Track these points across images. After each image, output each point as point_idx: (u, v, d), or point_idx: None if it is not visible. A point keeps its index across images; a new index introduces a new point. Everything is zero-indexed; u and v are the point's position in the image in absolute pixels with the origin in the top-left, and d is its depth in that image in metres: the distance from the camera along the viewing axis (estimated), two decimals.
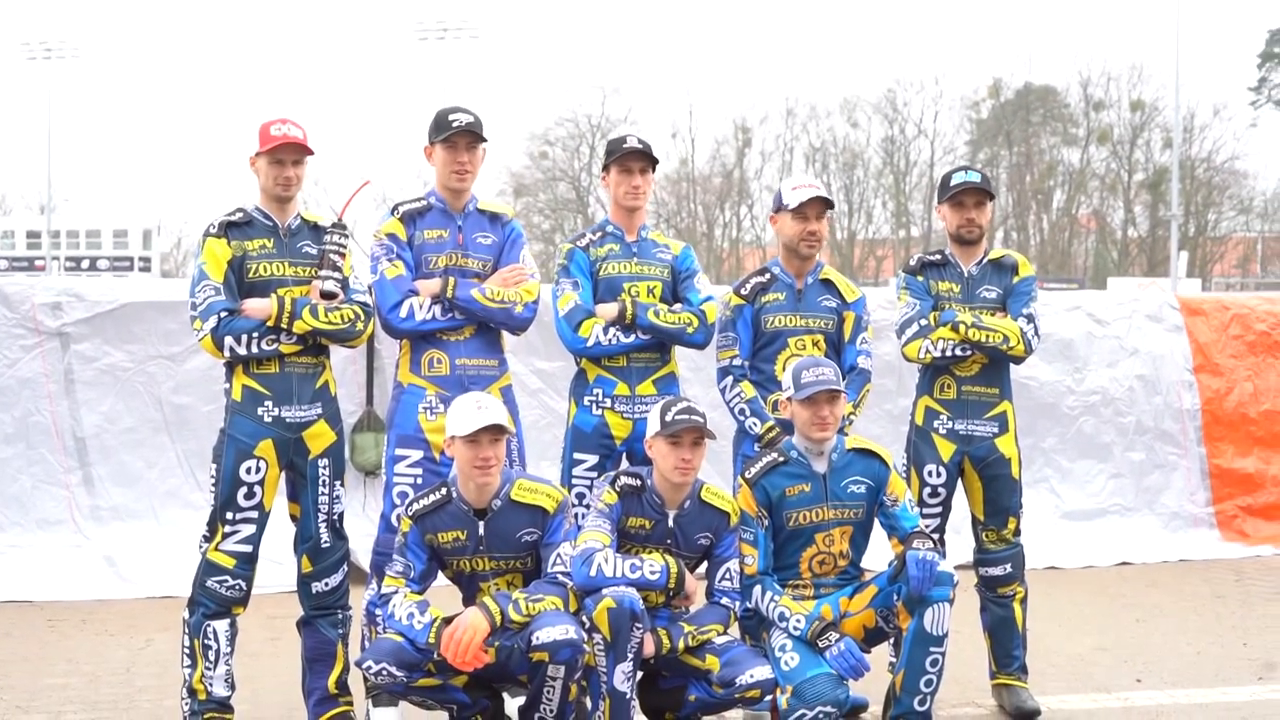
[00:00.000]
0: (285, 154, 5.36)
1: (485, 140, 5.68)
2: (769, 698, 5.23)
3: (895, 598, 5.24)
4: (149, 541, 8.13)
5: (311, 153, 5.40)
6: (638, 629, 5.03)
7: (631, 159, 5.86)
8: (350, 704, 5.50)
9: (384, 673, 4.98)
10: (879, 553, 5.61)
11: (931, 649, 5.17)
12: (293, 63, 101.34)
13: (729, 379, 5.93)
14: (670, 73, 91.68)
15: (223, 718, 5.27)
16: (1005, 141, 65.31)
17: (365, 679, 5.28)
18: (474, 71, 73.86)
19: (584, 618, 5.02)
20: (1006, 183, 63.87)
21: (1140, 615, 7.79)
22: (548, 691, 4.99)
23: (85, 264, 67.01)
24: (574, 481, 5.80)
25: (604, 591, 5.02)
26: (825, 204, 5.90)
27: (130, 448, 8.33)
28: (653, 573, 5.17)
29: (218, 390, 7.73)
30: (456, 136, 5.60)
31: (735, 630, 5.44)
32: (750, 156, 67.85)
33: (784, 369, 5.68)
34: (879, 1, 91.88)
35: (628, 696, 5.05)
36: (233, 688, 5.33)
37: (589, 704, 5.12)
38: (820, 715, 5.03)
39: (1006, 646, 5.97)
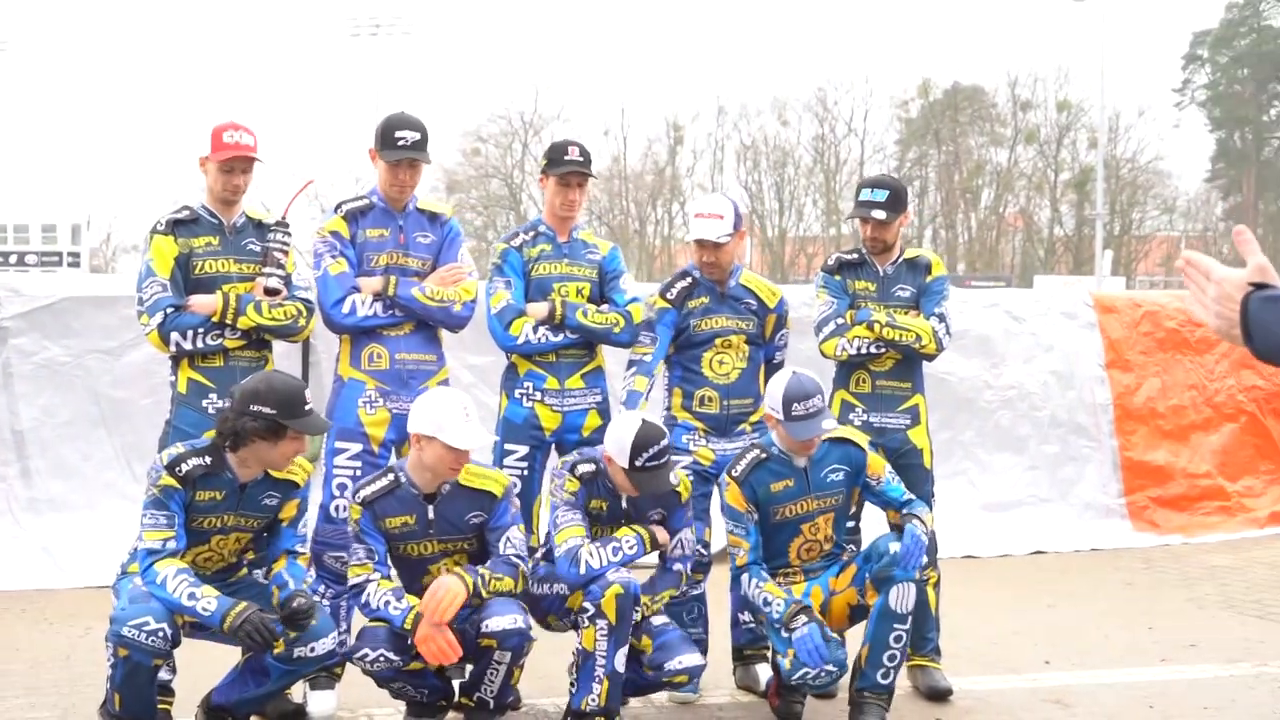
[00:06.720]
0: (236, 163, 5.54)
1: (428, 161, 5.84)
2: (696, 680, 5.52)
3: (864, 577, 5.52)
4: (86, 532, 8.19)
5: (261, 161, 5.58)
6: (636, 610, 5.26)
7: (571, 175, 6.02)
8: None
9: (381, 659, 5.12)
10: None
11: (895, 625, 5.44)
12: (224, 58, 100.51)
13: (632, 370, 6.09)
14: (603, 70, 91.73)
15: (163, 700, 5.37)
16: (934, 140, 65.90)
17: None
18: (407, 68, 73.58)
19: (587, 604, 5.19)
20: (935, 181, 64.50)
21: (1052, 601, 8.07)
22: (491, 674, 5.20)
23: (13, 259, 65.68)
24: (504, 471, 5.96)
25: (609, 578, 5.20)
26: (715, 247, 6.04)
27: (68, 441, 8.38)
28: (630, 547, 5.39)
29: (154, 384, 7.94)
30: (400, 157, 5.76)
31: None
32: (682, 154, 68.21)
33: (709, 367, 6.01)
34: (809, 1, 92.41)
35: (623, 675, 5.27)
36: (174, 671, 5.46)
37: (574, 688, 5.27)
38: (822, 674, 5.32)
39: (920, 629, 6.13)
